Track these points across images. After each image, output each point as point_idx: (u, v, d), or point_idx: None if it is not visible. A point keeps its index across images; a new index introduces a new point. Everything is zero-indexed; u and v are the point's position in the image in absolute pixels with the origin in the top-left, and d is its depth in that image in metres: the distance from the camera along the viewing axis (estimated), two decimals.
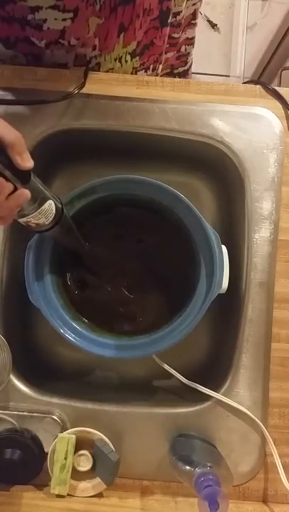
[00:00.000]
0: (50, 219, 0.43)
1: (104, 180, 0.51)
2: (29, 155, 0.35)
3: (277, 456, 0.54)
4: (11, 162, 0.34)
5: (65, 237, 0.49)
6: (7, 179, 0.34)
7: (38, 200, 0.40)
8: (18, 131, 0.34)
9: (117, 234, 0.58)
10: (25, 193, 0.36)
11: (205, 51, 1.55)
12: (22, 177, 0.36)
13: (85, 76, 0.58)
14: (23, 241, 0.53)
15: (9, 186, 0.34)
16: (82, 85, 0.58)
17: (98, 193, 0.52)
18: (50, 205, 0.42)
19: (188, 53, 0.86)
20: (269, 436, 0.55)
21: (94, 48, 0.60)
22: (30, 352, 0.63)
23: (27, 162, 0.35)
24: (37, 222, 0.42)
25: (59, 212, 0.44)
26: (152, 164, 0.63)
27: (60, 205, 0.44)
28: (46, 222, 0.43)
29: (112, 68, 0.64)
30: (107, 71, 0.63)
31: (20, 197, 0.36)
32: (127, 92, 0.59)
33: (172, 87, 0.59)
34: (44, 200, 0.41)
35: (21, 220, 0.41)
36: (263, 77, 1.34)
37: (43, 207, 0.41)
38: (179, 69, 0.88)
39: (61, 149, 0.61)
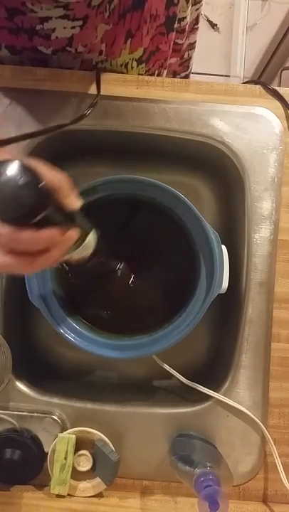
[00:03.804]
0: (92, 249, 0.41)
1: (105, 180, 0.51)
2: (76, 196, 0.34)
3: (277, 456, 0.54)
4: (59, 205, 0.32)
5: (100, 261, 0.47)
6: (56, 224, 0.32)
7: (82, 235, 0.38)
8: (61, 173, 0.33)
9: (117, 234, 0.58)
10: (74, 233, 0.35)
11: (205, 51, 1.55)
12: (69, 218, 0.34)
13: (98, 89, 0.57)
14: None
15: (59, 234, 0.33)
16: (95, 103, 0.56)
17: (98, 193, 0.52)
18: (90, 238, 0.40)
19: (190, 58, 0.86)
20: (269, 436, 0.55)
21: (100, 53, 0.60)
22: (30, 352, 0.63)
23: (76, 202, 0.34)
24: (79, 257, 0.40)
25: (96, 241, 0.42)
26: (152, 164, 0.63)
27: (96, 235, 0.42)
28: (88, 254, 0.41)
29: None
30: None
31: (71, 239, 0.35)
32: (127, 92, 0.59)
33: (172, 87, 0.59)
34: (87, 233, 0.39)
35: (65, 258, 0.39)
36: (263, 77, 1.35)
37: (86, 241, 0.39)
38: (181, 74, 0.88)
39: (61, 149, 0.60)
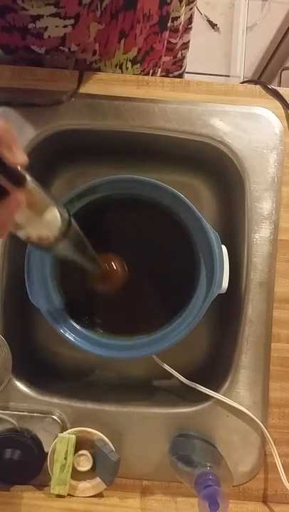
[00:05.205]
0: (55, 232, 0.35)
1: (104, 180, 0.51)
2: (22, 150, 0.28)
3: (277, 456, 0.54)
4: None
5: (74, 253, 0.41)
6: None
7: (38, 207, 0.33)
8: (4, 123, 0.27)
9: (117, 234, 0.58)
10: (18, 197, 0.29)
11: (205, 51, 1.55)
12: (13, 177, 0.28)
13: (79, 81, 0.58)
14: (23, 241, 0.53)
15: None
16: (75, 92, 0.56)
17: (98, 193, 0.52)
18: (53, 215, 0.34)
19: (184, 57, 0.86)
20: (269, 436, 0.55)
21: (94, 52, 0.60)
22: (30, 352, 0.63)
23: (19, 157, 0.28)
24: (39, 235, 0.35)
25: (65, 223, 0.36)
26: (152, 164, 0.63)
27: (66, 215, 0.36)
28: (49, 235, 0.35)
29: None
30: None
31: (13, 202, 0.29)
32: (127, 92, 0.59)
33: (172, 87, 0.59)
34: (45, 207, 0.34)
35: (20, 234, 0.35)
36: (263, 77, 1.35)
37: (45, 216, 0.34)
38: (174, 73, 0.88)
39: (61, 149, 0.61)
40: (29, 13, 0.50)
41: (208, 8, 1.58)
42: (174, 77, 0.89)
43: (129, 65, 0.64)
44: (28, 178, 0.30)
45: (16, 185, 0.28)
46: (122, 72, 0.65)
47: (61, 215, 0.35)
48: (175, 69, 0.86)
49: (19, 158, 0.28)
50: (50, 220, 0.34)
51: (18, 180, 0.29)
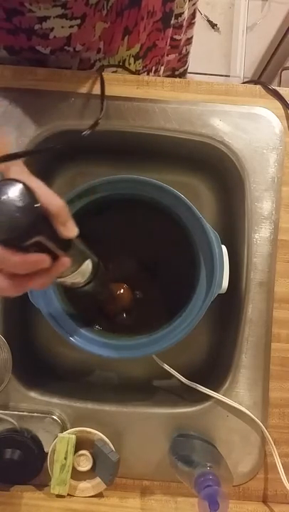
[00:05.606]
0: (86, 277, 0.42)
1: (105, 180, 0.51)
2: (73, 224, 0.33)
3: (277, 456, 0.54)
4: (54, 231, 0.31)
5: (96, 288, 0.47)
6: (49, 250, 0.31)
7: (77, 262, 0.38)
8: (61, 200, 0.31)
9: (117, 233, 0.58)
10: (66, 261, 0.34)
11: (205, 51, 1.55)
12: (64, 245, 0.34)
13: (102, 92, 0.57)
14: None
15: (48, 261, 0.31)
16: (103, 108, 0.56)
17: (98, 193, 0.52)
18: (87, 265, 0.41)
19: (188, 53, 0.86)
20: (269, 436, 0.55)
21: (98, 51, 0.60)
22: (30, 352, 0.63)
23: (71, 231, 0.33)
24: (73, 281, 0.41)
25: (95, 268, 0.42)
26: (152, 164, 0.63)
27: (96, 259, 0.42)
28: (82, 281, 0.42)
29: (116, 71, 0.64)
30: None
31: (61, 266, 0.33)
32: (127, 92, 0.59)
33: (172, 87, 0.59)
34: (82, 261, 0.40)
35: (57, 281, 0.39)
36: (263, 77, 1.35)
37: (81, 268, 0.39)
38: (180, 70, 0.88)
39: (61, 149, 0.61)
40: (36, 15, 0.50)
41: (208, 8, 1.58)
42: (180, 74, 0.89)
43: (131, 60, 0.64)
44: (75, 242, 0.35)
45: (64, 252, 0.34)
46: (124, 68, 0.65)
47: (92, 261, 0.41)
48: (180, 65, 0.87)
49: (71, 232, 0.33)
50: (84, 269, 0.40)
51: (67, 248, 0.34)
